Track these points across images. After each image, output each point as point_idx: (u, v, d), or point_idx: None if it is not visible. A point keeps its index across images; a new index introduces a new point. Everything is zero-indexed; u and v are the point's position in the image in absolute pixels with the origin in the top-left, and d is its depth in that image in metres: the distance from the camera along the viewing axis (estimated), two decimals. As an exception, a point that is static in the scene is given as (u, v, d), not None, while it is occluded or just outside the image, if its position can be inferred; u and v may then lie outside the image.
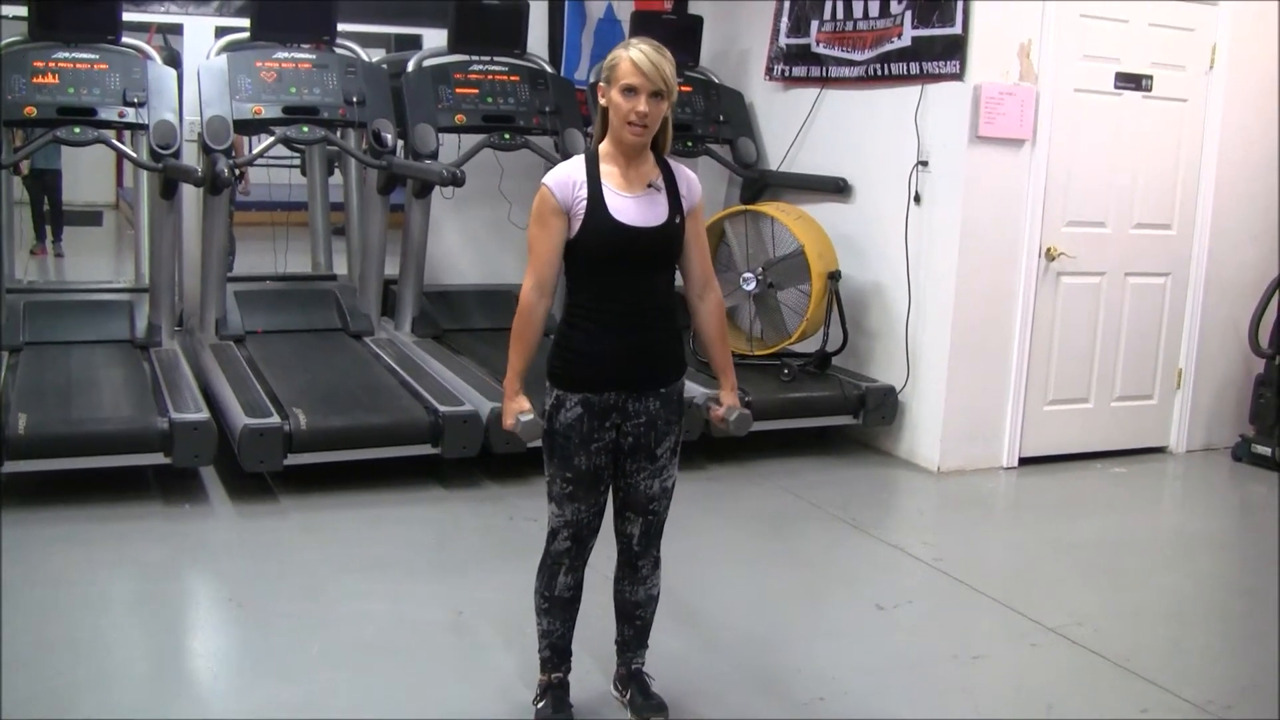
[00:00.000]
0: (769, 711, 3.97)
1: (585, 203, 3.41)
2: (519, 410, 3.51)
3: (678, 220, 3.51)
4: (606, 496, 3.62)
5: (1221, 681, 4.39)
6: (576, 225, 3.42)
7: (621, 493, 3.65)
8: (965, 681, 4.28)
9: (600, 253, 3.44)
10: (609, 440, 3.53)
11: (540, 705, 3.75)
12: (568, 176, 3.44)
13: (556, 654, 3.76)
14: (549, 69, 7.72)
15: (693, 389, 3.77)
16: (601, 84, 3.43)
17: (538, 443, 3.60)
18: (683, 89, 7.59)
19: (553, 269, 3.47)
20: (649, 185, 3.48)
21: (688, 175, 3.59)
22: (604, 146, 3.49)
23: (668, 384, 3.58)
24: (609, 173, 3.45)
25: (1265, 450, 7.11)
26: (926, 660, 4.42)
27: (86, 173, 14.41)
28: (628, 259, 3.46)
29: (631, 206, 3.44)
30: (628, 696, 3.83)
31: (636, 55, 3.33)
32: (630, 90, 3.34)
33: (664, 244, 3.51)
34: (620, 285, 3.48)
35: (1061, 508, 6.40)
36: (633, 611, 3.80)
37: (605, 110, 3.43)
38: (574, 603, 3.72)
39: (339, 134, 7.16)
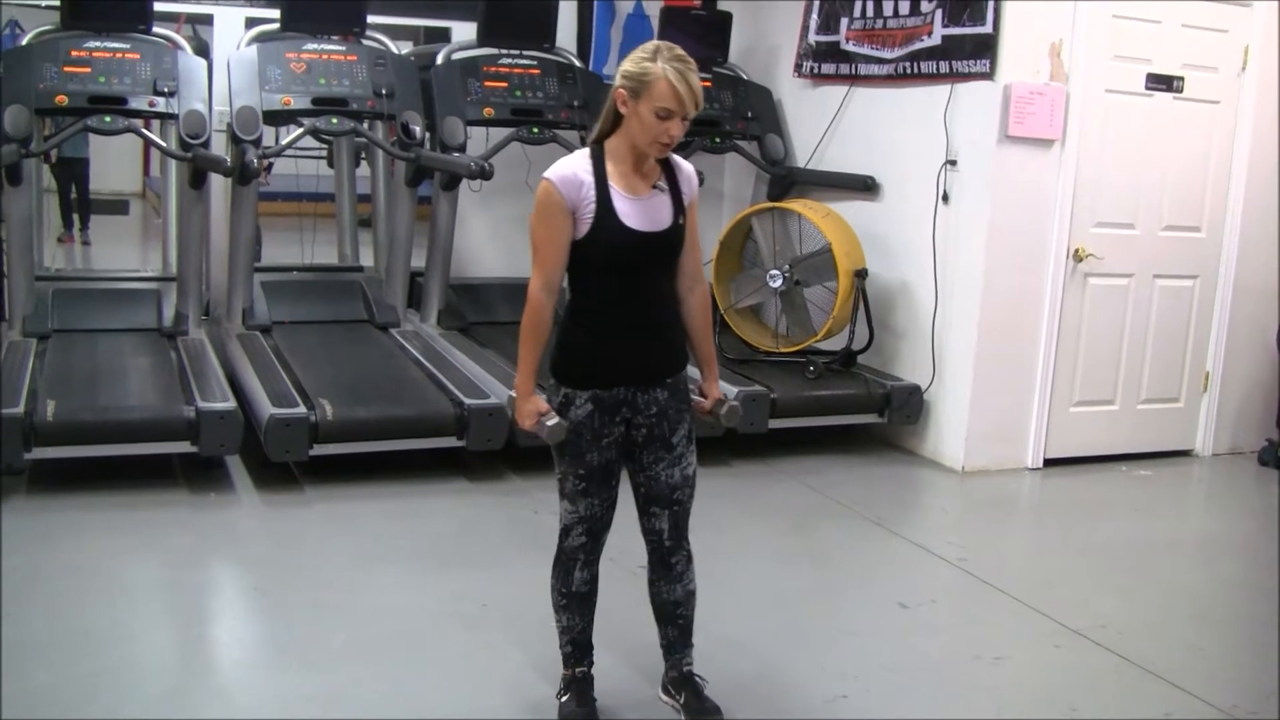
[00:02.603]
0: (792, 709, 3.96)
1: (594, 205, 3.37)
2: (538, 411, 3.48)
3: (681, 222, 3.50)
4: (618, 491, 3.61)
5: (1245, 686, 4.36)
6: (584, 228, 3.38)
7: (643, 488, 3.63)
8: (988, 682, 4.27)
9: (610, 258, 3.42)
10: (619, 434, 3.53)
11: (564, 699, 3.73)
12: (574, 174, 3.38)
13: (578, 649, 3.75)
14: (578, 63, 7.73)
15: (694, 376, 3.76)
16: (623, 90, 3.32)
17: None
18: (710, 85, 7.59)
19: (561, 267, 3.44)
20: (654, 187, 3.46)
21: (687, 171, 3.57)
22: (612, 144, 3.43)
23: (674, 374, 3.58)
24: (615, 173, 3.41)
25: (1292, 454, 7.09)
26: (949, 660, 4.41)
27: (114, 161, 14.53)
28: (636, 263, 3.45)
29: (639, 211, 3.41)
30: (681, 700, 3.78)
31: (676, 80, 3.25)
32: (667, 114, 3.29)
33: (670, 247, 3.50)
34: (627, 287, 3.47)
35: (1086, 509, 6.37)
36: (673, 611, 3.77)
37: (619, 113, 3.38)
38: (591, 596, 3.71)
39: (367, 126, 7.18)
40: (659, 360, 3.56)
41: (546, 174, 3.40)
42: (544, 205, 3.39)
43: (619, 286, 3.46)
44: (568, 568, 3.66)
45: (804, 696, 4.04)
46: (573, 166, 3.41)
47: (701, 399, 3.73)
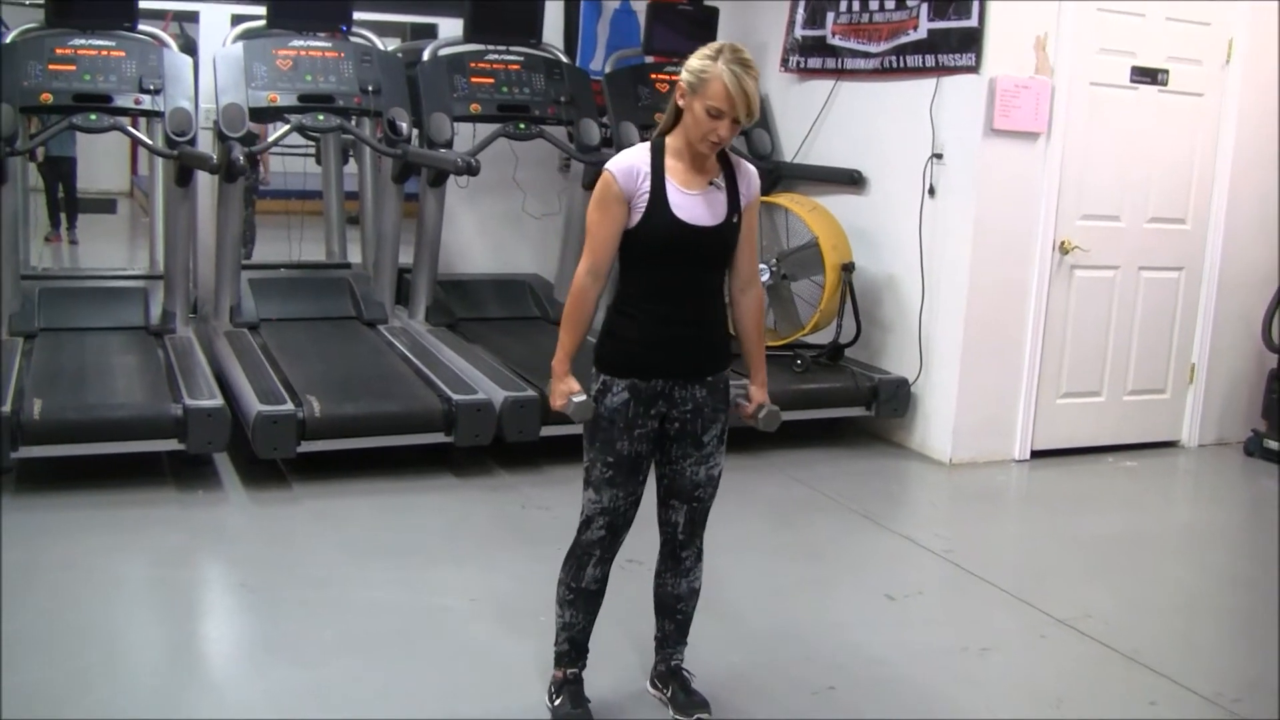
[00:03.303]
0: (780, 699, 3.98)
1: (648, 195, 3.39)
2: (569, 391, 3.49)
3: (735, 220, 3.51)
4: (643, 489, 3.60)
5: (1231, 675, 4.39)
6: (637, 217, 3.41)
7: (666, 480, 3.65)
8: (975, 673, 4.29)
9: (658, 248, 3.43)
10: (652, 428, 3.53)
11: (558, 702, 3.71)
12: (632, 165, 3.41)
13: (575, 648, 3.73)
14: (564, 59, 7.72)
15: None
16: (684, 84, 3.36)
17: (561, 430, 3.59)
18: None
19: (609, 255, 3.46)
20: (710, 183, 3.47)
21: (749, 171, 3.57)
22: (671, 140, 3.46)
23: (714, 373, 3.58)
24: (673, 167, 3.43)
25: (1277, 445, 7.11)
26: (936, 651, 4.42)
27: (101, 160, 14.47)
28: (683, 256, 3.45)
29: (693, 204, 3.42)
30: (669, 694, 3.81)
31: (731, 81, 3.27)
32: (717, 113, 3.30)
33: (721, 243, 3.50)
34: (675, 279, 3.48)
35: (1073, 501, 6.40)
36: (674, 605, 3.79)
37: (680, 108, 3.40)
38: (599, 596, 3.70)
39: (354, 122, 7.18)
40: (700, 357, 3.56)
41: (608, 165, 3.44)
42: (602, 194, 3.43)
43: (666, 279, 3.48)
44: (581, 562, 3.64)
45: (792, 688, 4.05)
46: (633, 158, 3.45)
47: (745, 402, 3.73)
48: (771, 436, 6.55)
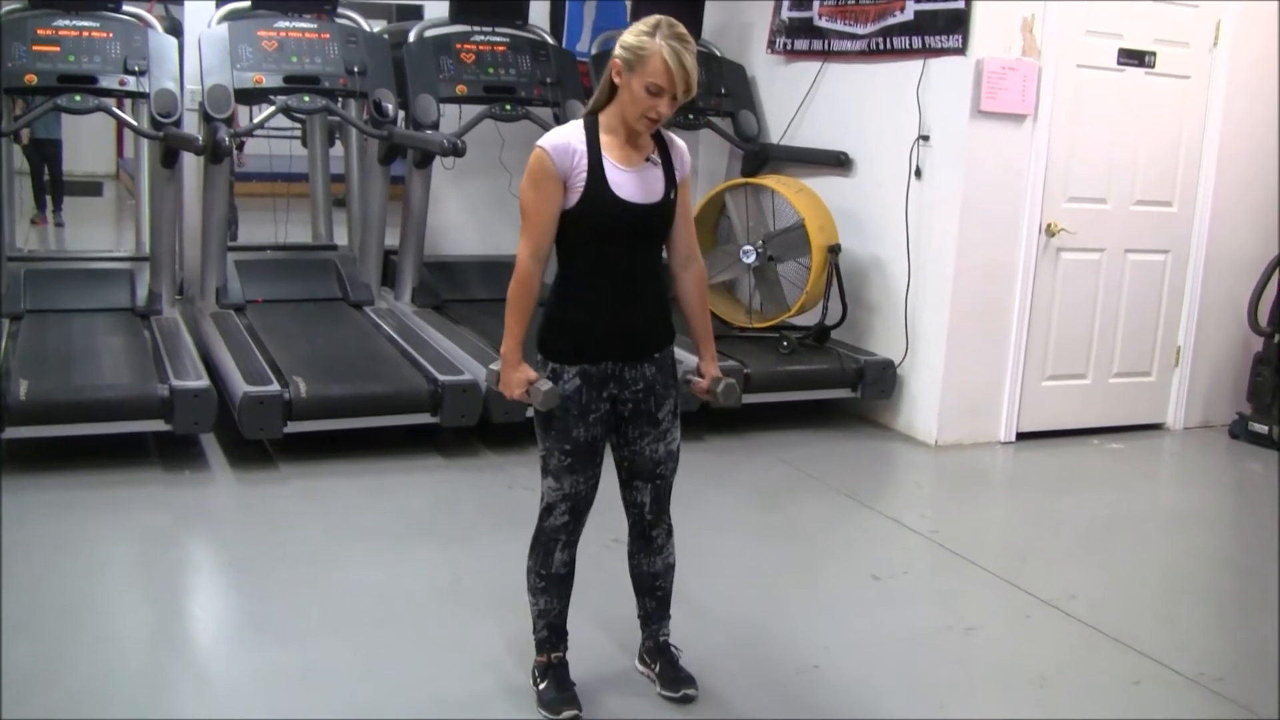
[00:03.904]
0: (764, 679, 3.98)
1: (585, 174, 3.36)
2: (528, 379, 3.46)
3: (673, 195, 3.50)
4: (601, 469, 3.60)
5: (1214, 655, 4.42)
6: (574, 197, 3.37)
7: (627, 462, 3.64)
8: (959, 652, 4.31)
9: (598, 228, 3.40)
10: (605, 410, 3.52)
11: (543, 687, 3.69)
12: (566, 143, 3.37)
13: (554, 633, 3.71)
14: (550, 40, 7.72)
15: (682, 356, 3.76)
16: (619, 60, 3.32)
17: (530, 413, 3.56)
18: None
19: (550, 235, 3.42)
20: (647, 159, 3.46)
21: (680, 147, 3.56)
22: (605, 117, 3.42)
23: (661, 349, 3.58)
24: (609, 144, 3.40)
25: (1262, 428, 7.13)
26: (921, 631, 4.44)
27: (87, 143, 14.43)
28: (625, 235, 3.43)
29: (631, 181, 3.40)
30: (656, 669, 3.82)
31: (670, 57, 3.24)
32: (657, 90, 3.28)
33: (660, 220, 3.49)
34: (615, 258, 3.46)
35: (1058, 483, 6.42)
36: (651, 583, 3.79)
37: (614, 84, 3.38)
38: (569, 579, 3.69)
39: (340, 104, 7.16)
40: (647, 334, 3.55)
41: (540, 142, 3.39)
42: (535, 173, 3.38)
43: (607, 258, 3.45)
44: (548, 549, 3.63)
45: (776, 667, 4.06)
46: (566, 136, 3.40)
47: (699, 378, 3.71)
48: (757, 417, 6.66)
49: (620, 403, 3.54)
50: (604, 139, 3.41)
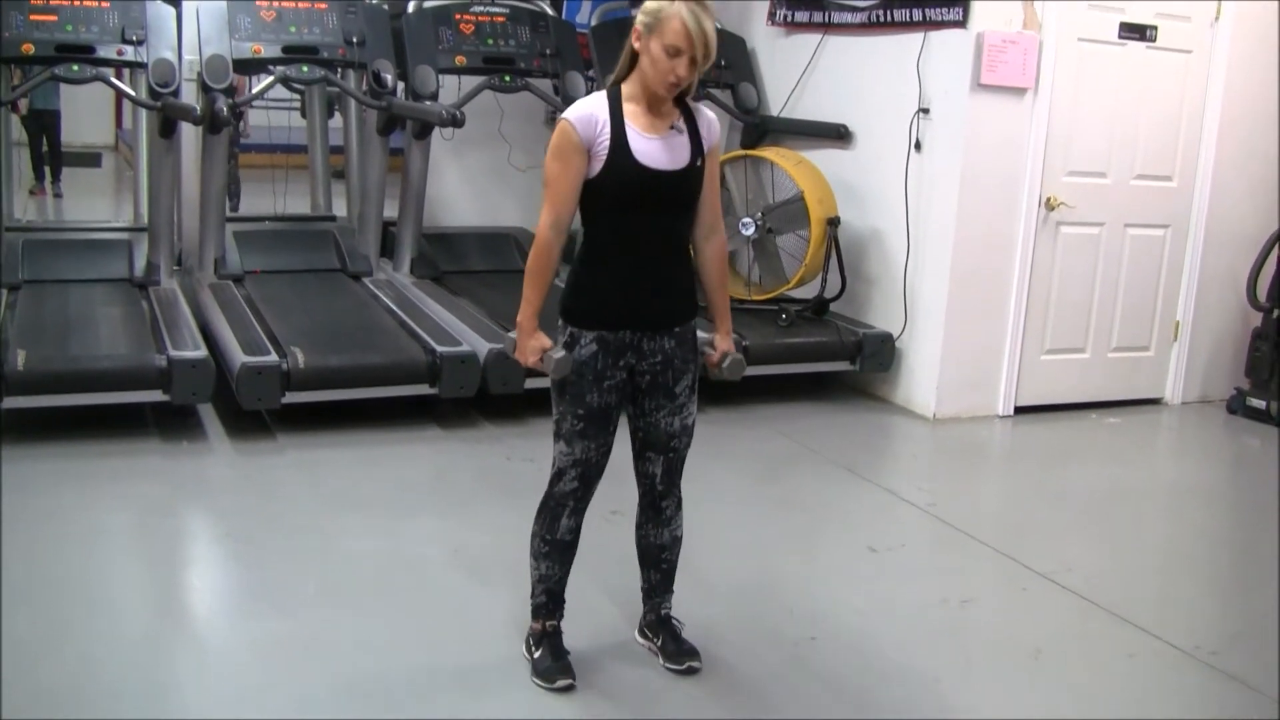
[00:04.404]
0: (761, 651, 3.99)
1: (608, 143, 3.36)
2: (542, 347, 3.47)
3: (699, 163, 3.48)
4: (614, 438, 3.59)
5: (1210, 628, 4.43)
6: (598, 165, 3.37)
7: (641, 433, 3.64)
8: (955, 625, 4.32)
9: (622, 195, 3.40)
10: (620, 379, 3.52)
11: (538, 654, 3.70)
12: (590, 113, 3.37)
13: (552, 600, 3.72)
14: (550, 12, 7.68)
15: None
16: (639, 26, 3.33)
17: (544, 382, 3.57)
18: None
19: (571, 206, 3.42)
20: (671, 127, 3.45)
21: (708, 117, 3.55)
22: (628, 87, 3.42)
23: (682, 323, 3.57)
24: (632, 112, 3.40)
25: (1260, 403, 7.14)
26: (917, 603, 4.44)
27: (86, 114, 14.42)
28: (649, 202, 3.42)
29: (655, 149, 3.40)
30: (658, 643, 3.82)
31: (689, 19, 3.24)
32: (675, 52, 3.28)
33: (685, 187, 3.47)
34: (639, 227, 3.45)
35: (1056, 456, 6.43)
36: (658, 555, 3.80)
37: (635, 52, 3.38)
38: (573, 547, 3.69)
39: (339, 74, 7.14)
40: (668, 307, 3.54)
41: (564, 114, 3.40)
42: (560, 144, 3.39)
43: (630, 226, 3.45)
44: (555, 514, 3.63)
45: (774, 639, 4.07)
46: (590, 106, 3.41)
47: (711, 351, 3.72)
48: (755, 390, 6.66)
49: (638, 374, 3.54)
50: (627, 107, 3.41)
